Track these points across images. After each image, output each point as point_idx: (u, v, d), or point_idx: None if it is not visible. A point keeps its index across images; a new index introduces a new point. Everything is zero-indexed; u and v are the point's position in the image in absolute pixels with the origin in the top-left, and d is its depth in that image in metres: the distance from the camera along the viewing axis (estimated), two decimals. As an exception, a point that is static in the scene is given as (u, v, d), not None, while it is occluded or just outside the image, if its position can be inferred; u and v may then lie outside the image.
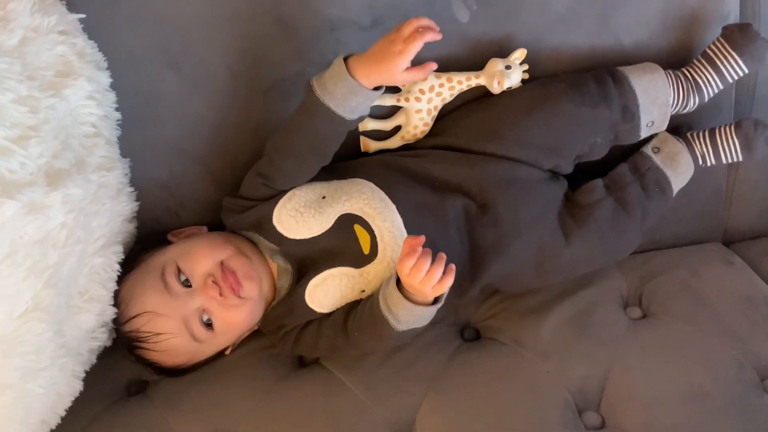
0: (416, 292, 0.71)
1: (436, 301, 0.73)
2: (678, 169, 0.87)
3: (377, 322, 0.74)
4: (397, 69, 0.71)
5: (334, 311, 0.80)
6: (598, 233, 0.83)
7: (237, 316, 0.78)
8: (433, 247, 0.74)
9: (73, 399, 0.73)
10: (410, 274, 0.68)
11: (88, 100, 0.72)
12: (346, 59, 0.72)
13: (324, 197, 0.79)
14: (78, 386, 0.73)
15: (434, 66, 0.73)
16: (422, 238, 0.69)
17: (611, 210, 0.83)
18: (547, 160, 0.83)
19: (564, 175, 0.87)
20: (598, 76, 0.83)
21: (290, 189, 0.80)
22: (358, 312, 0.77)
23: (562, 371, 0.82)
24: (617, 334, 0.85)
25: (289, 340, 0.81)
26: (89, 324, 0.73)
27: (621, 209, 0.84)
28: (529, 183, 0.82)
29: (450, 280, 0.69)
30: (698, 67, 0.85)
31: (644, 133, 0.85)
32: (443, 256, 0.70)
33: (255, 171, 0.81)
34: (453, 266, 0.69)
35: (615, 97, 0.81)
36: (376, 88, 0.73)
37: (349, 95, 0.72)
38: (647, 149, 0.88)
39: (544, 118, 0.81)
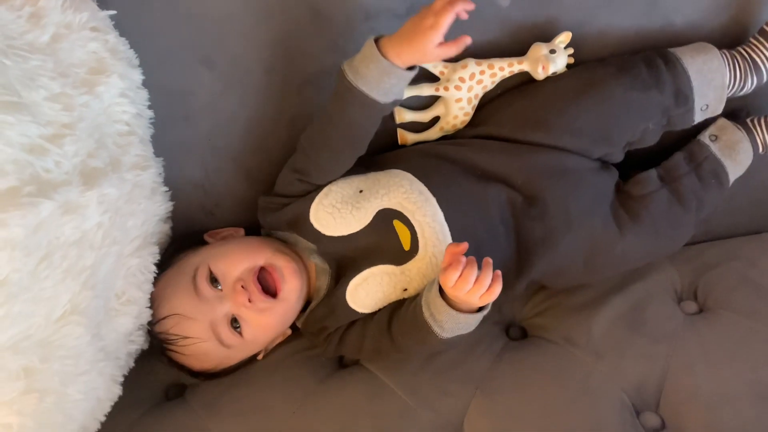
0: (465, 304, 0.68)
1: (481, 307, 0.70)
2: (737, 158, 0.83)
3: (421, 329, 0.71)
4: (429, 44, 0.67)
5: (377, 312, 0.77)
6: (653, 226, 0.80)
7: (267, 320, 0.76)
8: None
9: (112, 404, 0.72)
10: (455, 287, 0.66)
11: (120, 97, 0.70)
12: (377, 41, 0.69)
13: (361, 191, 0.77)
14: (117, 391, 0.72)
15: (468, 40, 0.69)
16: (465, 246, 0.66)
17: (666, 202, 0.80)
18: (596, 149, 0.80)
19: (614, 165, 0.83)
20: (649, 58, 0.79)
21: (326, 184, 0.78)
22: (402, 315, 0.75)
23: (616, 370, 0.79)
24: (674, 330, 0.82)
25: (332, 342, 0.79)
26: (127, 327, 0.72)
27: (676, 201, 0.80)
28: (579, 173, 0.79)
29: (498, 289, 0.66)
30: (755, 46, 0.80)
31: (698, 118, 0.81)
32: (489, 262, 0.67)
33: (289, 167, 0.79)
34: (499, 273, 0.67)
35: (667, 79, 0.78)
36: (410, 69, 0.70)
37: (382, 76, 0.69)
38: (704, 137, 0.84)
39: (593, 104, 0.77)
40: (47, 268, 0.54)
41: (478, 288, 0.65)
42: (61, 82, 0.61)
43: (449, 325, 0.70)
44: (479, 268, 0.66)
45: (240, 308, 0.74)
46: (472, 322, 0.71)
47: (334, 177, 0.78)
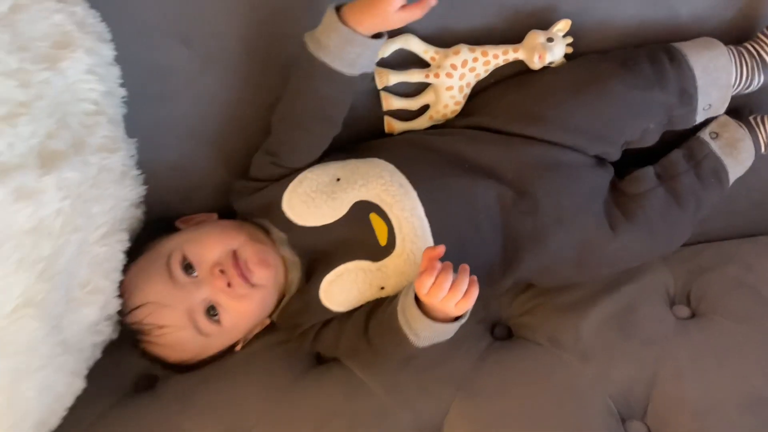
0: (440, 313, 0.66)
1: (459, 316, 0.67)
2: (738, 157, 0.80)
3: (396, 335, 0.69)
4: (389, 8, 0.64)
5: (354, 311, 0.74)
6: (648, 226, 0.77)
7: (246, 307, 0.73)
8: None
9: (74, 397, 0.69)
10: (429, 294, 0.63)
11: (88, 74, 0.66)
12: (338, 10, 0.66)
13: (338, 179, 0.73)
14: (79, 384, 0.69)
15: (433, 2, 0.66)
16: (442, 249, 0.64)
17: (662, 201, 0.77)
18: (593, 146, 0.77)
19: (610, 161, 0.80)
20: (653, 54, 0.76)
21: (302, 168, 0.75)
22: (378, 317, 0.72)
23: (603, 375, 0.77)
24: (664, 335, 0.80)
25: (307, 339, 0.76)
26: (91, 318, 0.68)
27: (673, 200, 0.78)
28: (573, 168, 0.75)
29: (474, 296, 0.64)
30: (764, 41, 0.77)
31: (700, 118, 0.78)
32: (466, 269, 0.64)
33: (263, 149, 0.76)
34: (476, 278, 0.64)
35: (671, 78, 0.74)
36: (376, 37, 0.67)
37: (344, 46, 0.66)
38: (704, 134, 0.81)
39: (592, 100, 0.74)
40: (-4, 258, 0.50)
41: (453, 295, 0.63)
42: (19, 57, 0.56)
43: (425, 333, 0.67)
44: (456, 271, 0.64)
45: (218, 294, 0.71)
46: (449, 330, 0.68)
47: (308, 159, 0.75)
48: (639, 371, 0.76)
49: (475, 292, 0.64)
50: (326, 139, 0.75)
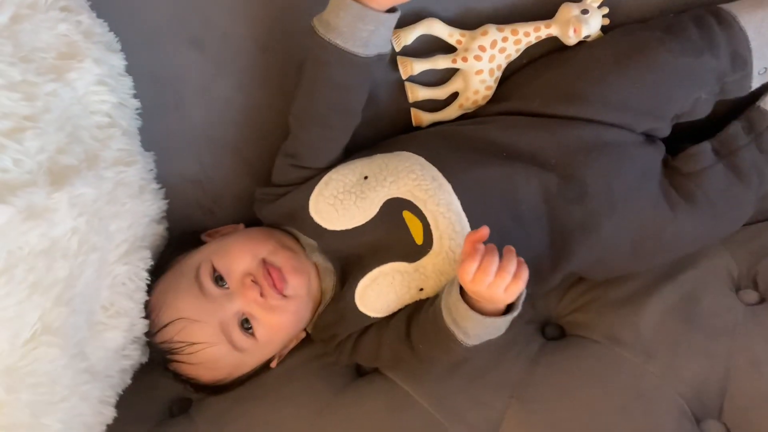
0: (489, 301, 0.61)
1: (510, 308, 0.63)
2: None
3: (443, 337, 0.65)
4: None
5: (393, 316, 0.71)
6: (709, 207, 0.72)
7: (281, 318, 0.70)
8: (502, 233, 0.65)
9: (104, 427, 0.66)
10: (474, 280, 0.59)
11: (98, 85, 0.64)
12: None
13: (366, 177, 0.70)
14: (109, 413, 0.66)
15: None
16: (485, 231, 0.60)
17: (723, 178, 0.72)
18: (641, 123, 0.72)
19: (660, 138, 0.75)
20: (699, 17, 0.71)
21: (325, 167, 0.72)
22: (421, 320, 0.68)
23: (671, 372, 0.71)
24: (734, 324, 0.74)
25: (345, 351, 0.73)
26: (117, 342, 0.66)
27: (735, 177, 0.72)
28: (622, 148, 0.70)
29: (525, 276, 0.60)
30: (822, -5, 0.70)
31: (756, 83, 0.73)
32: (512, 250, 0.60)
33: (282, 152, 0.74)
34: (523, 260, 0.60)
35: (722, 42, 0.70)
36: (389, 12, 0.64)
37: (356, 23, 0.63)
38: (765, 103, 0.75)
39: (637, 72, 0.69)
40: (7, 283, 0.48)
41: (501, 279, 0.59)
42: (22, 68, 0.54)
43: (475, 330, 0.63)
44: (501, 257, 0.60)
45: (251, 305, 0.69)
46: (500, 325, 0.64)
47: (330, 157, 0.72)
48: (710, 366, 0.71)
49: (525, 274, 0.60)
50: (347, 133, 0.72)
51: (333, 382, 0.76)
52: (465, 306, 0.62)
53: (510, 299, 0.61)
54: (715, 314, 0.75)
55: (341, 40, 0.64)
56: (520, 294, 0.62)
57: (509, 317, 0.63)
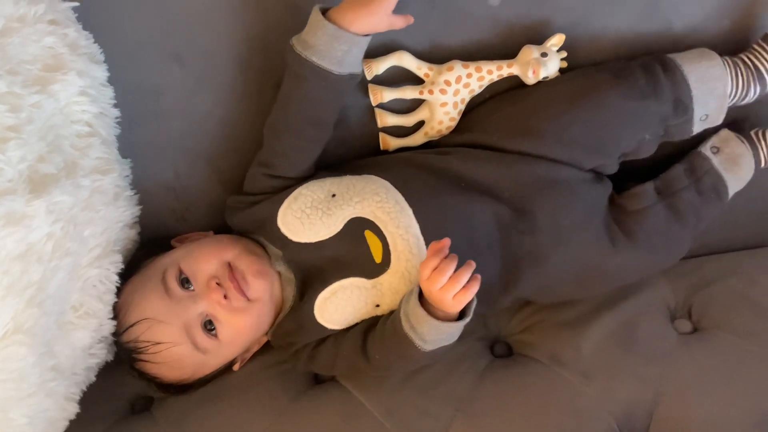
0: (439, 304, 0.65)
1: (462, 315, 0.67)
2: (739, 173, 0.79)
3: (401, 343, 0.68)
4: (386, 7, 0.67)
5: (350, 329, 0.73)
6: (648, 243, 0.76)
7: (244, 321, 0.72)
8: (458, 257, 0.67)
9: (68, 422, 0.68)
10: (430, 279, 0.63)
11: (80, 96, 0.66)
12: (324, 12, 0.68)
13: (334, 195, 0.73)
14: (73, 408, 0.68)
15: (411, 20, 0.70)
16: (447, 242, 0.64)
17: (662, 218, 0.76)
18: (589, 159, 0.76)
19: (608, 175, 0.79)
20: (647, 64, 0.75)
21: (296, 177, 0.75)
22: (378, 332, 0.71)
23: (605, 393, 0.75)
24: (667, 351, 0.78)
25: (301, 359, 0.75)
26: (84, 341, 0.68)
27: (673, 217, 0.77)
28: (571, 185, 0.74)
29: (473, 290, 0.64)
30: (758, 52, 0.76)
31: (697, 128, 0.77)
32: (471, 264, 0.65)
33: (256, 161, 0.76)
34: (478, 276, 0.64)
35: (666, 88, 0.73)
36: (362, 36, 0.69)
37: (332, 43, 0.67)
38: (705, 149, 0.80)
39: (587, 111, 0.73)
40: (-16, 285, 0.50)
41: (452, 285, 0.63)
42: (9, 80, 0.56)
43: (431, 336, 0.67)
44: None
45: (215, 306, 0.71)
46: (454, 331, 0.68)
47: (302, 167, 0.75)
48: (642, 389, 0.75)
49: (475, 287, 0.64)
50: (318, 145, 0.75)
51: (290, 389, 0.78)
52: (422, 311, 0.65)
53: (457, 308, 0.65)
54: (650, 341, 0.78)
55: (317, 57, 0.68)
56: (472, 303, 0.66)
57: (461, 323, 0.67)
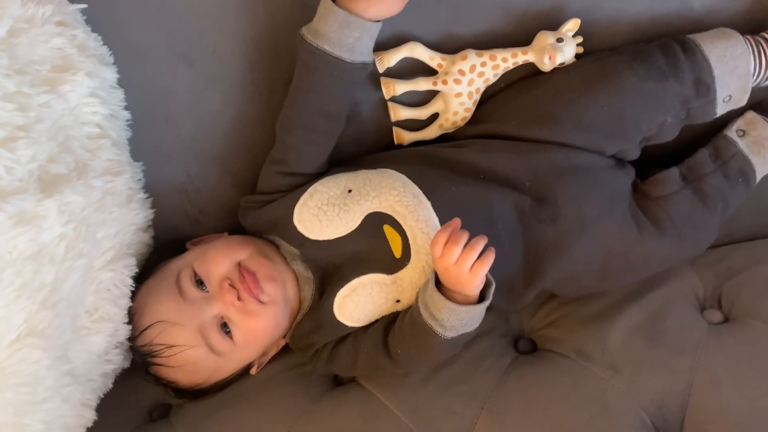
0: (456, 281, 0.63)
1: (482, 298, 0.65)
2: (766, 156, 0.77)
3: (421, 333, 0.66)
4: None
5: (370, 326, 0.72)
6: (674, 230, 0.74)
7: (258, 323, 0.71)
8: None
9: (85, 429, 0.67)
10: (444, 254, 0.62)
11: (90, 97, 0.66)
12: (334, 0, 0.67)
13: (350, 191, 0.71)
14: (89, 415, 0.67)
15: None
16: (458, 221, 0.64)
17: (689, 204, 0.74)
18: (610, 145, 0.74)
19: (631, 162, 0.77)
20: (665, 45, 0.73)
21: (311, 173, 0.74)
22: (398, 326, 0.69)
23: (635, 386, 0.73)
24: (697, 342, 0.76)
25: (321, 359, 0.74)
26: (100, 346, 0.67)
27: (700, 202, 0.75)
28: (592, 171, 0.73)
29: (490, 260, 0.63)
30: (781, 31, 0.74)
31: (720, 110, 0.75)
32: (483, 237, 0.63)
33: (269, 159, 0.76)
34: (492, 248, 0.63)
35: (686, 68, 0.72)
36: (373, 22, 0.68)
37: (342, 30, 0.66)
38: (731, 132, 0.77)
39: (606, 95, 0.71)
40: (-4, 286, 0.49)
41: (467, 255, 0.62)
42: (17, 80, 0.56)
43: (451, 322, 0.65)
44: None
45: (229, 308, 0.70)
46: (475, 315, 0.66)
47: (315, 163, 0.74)
48: (673, 382, 0.73)
49: (491, 257, 0.63)
50: (331, 138, 0.74)
51: (310, 391, 0.76)
52: (440, 296, 0.64)
53: (474, 282, 0.63)
54: (679, 332, 0.76)
55: (329, 45, 0.67)
56: (490, 286, 0.65)
57: (482, 307, 0.65)
